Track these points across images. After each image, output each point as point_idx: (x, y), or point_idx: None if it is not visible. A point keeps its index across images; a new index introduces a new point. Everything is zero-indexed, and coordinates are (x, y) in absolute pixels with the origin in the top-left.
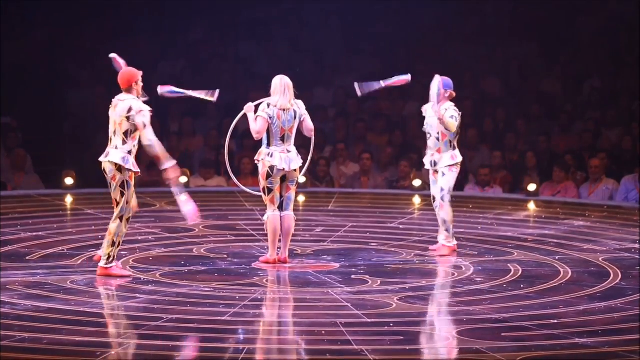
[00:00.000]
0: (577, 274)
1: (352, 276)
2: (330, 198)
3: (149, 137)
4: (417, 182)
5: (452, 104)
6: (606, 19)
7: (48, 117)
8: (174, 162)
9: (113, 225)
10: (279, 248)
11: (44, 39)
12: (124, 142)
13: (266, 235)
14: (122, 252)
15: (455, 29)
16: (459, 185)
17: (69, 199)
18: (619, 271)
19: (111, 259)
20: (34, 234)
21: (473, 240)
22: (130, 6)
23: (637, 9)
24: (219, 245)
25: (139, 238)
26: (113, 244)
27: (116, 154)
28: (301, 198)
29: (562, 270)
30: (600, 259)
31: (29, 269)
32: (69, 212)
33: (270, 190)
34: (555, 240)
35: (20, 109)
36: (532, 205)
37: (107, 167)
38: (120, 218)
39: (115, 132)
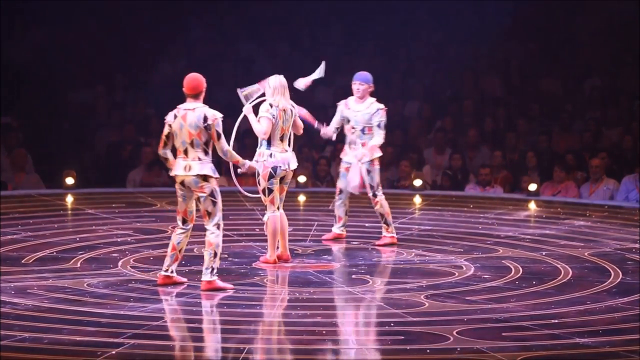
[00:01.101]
0: (578, 270)
1: (353, 276)
2: (331, 198)
3: (225, 147)
4: (417, 182)
5: (374, 99)
6: (606, 18)
7: (48, 116)
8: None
9: (212, 237)
10: (277, 248)
11: (44, 39)
12: (206, 153)
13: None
14: (118, 253)
15: (455, 28)
16: (460, 185)
17: (69, 199)
18: (615, 267)
19: (215, 271)
20: (35, 233)
21: (452, 237)
22: (131, 6)
23: (637, 7)
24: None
25: (119, 239)
26: (215, 255)
27: (204, 167)
28: (302, 198)
29: (558, 266)
30: (586, 253)
31: (36, 272)
32: (69, 212)
33: (270, 191)
34: (530, 237)
35: (21, 109)
36: (532, 205)
37: (192, 180)
38: (218, 227)
39: (192, 143)
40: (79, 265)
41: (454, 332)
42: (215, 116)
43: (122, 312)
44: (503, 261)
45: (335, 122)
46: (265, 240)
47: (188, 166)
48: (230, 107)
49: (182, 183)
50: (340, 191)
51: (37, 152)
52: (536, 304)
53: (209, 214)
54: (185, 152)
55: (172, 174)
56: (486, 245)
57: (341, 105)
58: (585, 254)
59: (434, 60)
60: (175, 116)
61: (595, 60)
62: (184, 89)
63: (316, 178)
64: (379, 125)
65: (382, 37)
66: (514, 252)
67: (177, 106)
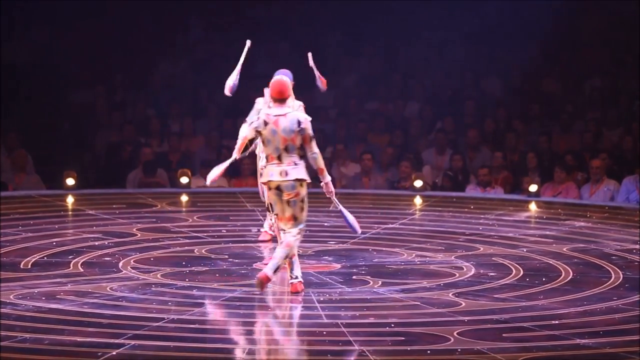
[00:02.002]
0: (579, 270)
1: (354, 277)
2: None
3: (316, 149)
4: (418, 183)
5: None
6: (607, 19)
7: (49, 117)
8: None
9: (291, 238)
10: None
11: (45, 39)
12: (300, 157)
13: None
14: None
15: (455, 28)
16: (460, 186)
17: (70, 200)
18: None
19: (278, 271)
20: (37, 234)
21: (452, 238)
22: (131, 6)
23: (638, 8)
24: (220, 245)
25: (97, 243)
26: (286, 256)
27: (300, 171)
28: None
29: (557, 266)
30: (564, 249)
31: (45, 277)
32: (70, 213)
33: None
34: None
35: (21, 109)
36: (533, 206)
37: (289, 185)
38: (299, 232)
39: (286, 148)
40: (82, 269)
41: (455, 333)
42: (307, 119)
43: (124, 313)
44: (502, 260)
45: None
46: (266, 241)
47: (284, 172)
48: (230, 108)
49: (278, 188)
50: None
51: (38, 152)
52: (544, 304)
53: (295, 219)
54: (279, 158)
55: (265, 180)
56: (483, 244)
57: (260, 104)
58: (564, 249)
59: (434, 61)
60: (266, 122)
61: (595, 61)
62: (271, 94)
63: (316, 179)
64: None
65: (382, 37)
66: (508, 251)
67: (265, 113)
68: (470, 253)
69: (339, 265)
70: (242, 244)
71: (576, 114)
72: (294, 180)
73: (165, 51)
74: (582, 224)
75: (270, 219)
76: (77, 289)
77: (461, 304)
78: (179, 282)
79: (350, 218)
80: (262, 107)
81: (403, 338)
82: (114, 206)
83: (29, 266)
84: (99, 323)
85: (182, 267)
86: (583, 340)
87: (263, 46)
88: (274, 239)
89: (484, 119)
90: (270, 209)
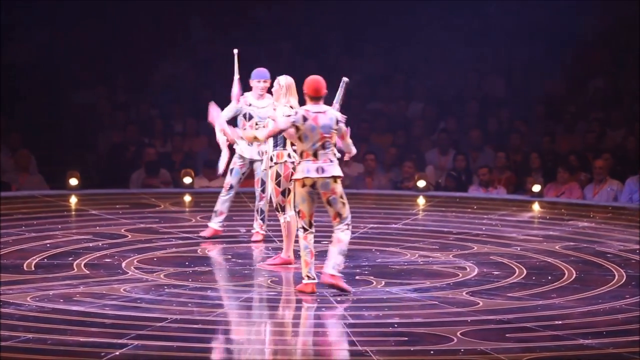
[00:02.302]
0: (582, 270)
1: (357, 277)
2: None
3: (352, 144)
4: (421, 183)
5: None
6: (610, 20)
7: (52, 117)
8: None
9: (343, 234)
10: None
11: (46, 40)
12: (334, 154)
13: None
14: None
15: (458, 28)
16: (463, 186)
17: (73, 200)
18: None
19: (340, 268)
20: (40, 234)
21: (454, 238)
22: (133, 6)
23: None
24: (223, 245)
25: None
26: (344, 253)
27: (336, 168)
28: None
29: (560, 266)
30: (556, 247)
31: (59, 280)
32: (73, 213)
33: (290, 192)
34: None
35: (24, 110)
36: (536, 206)
37: (325, 182)
38: (348, 226)
39: (323, 145)
40: (87, 271)
41: (458, 333)
42: (343, 117)
43: (126, 314)
44: (500, 259)
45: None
46: (271, 242)
47: (320, 168)
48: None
49: (313, 185)
50: (231, 187)
51: (41, 152)
52: (560, 303)
53: (340, 215)
54: (315, 154)
55: (300, 176)
56: (477, 243)
57: (240, 102)
58: (557, 247)
59: (437, 61)
60: (305, 118)
61: (598, 62)
62: (307, 91)
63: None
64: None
65: (384, 37)
66: (502, 250)
67: (304, 109)
68: (466, 252)
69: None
70: (245, 244)
71: (579, 114)
72: (330, 177)
73: (167, 51)
74: (586, 224)
75: (261, 220)
76: (91, 291)
77: (478, 303)
78: (191, 283)
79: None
80: (245, 105)
81: (406, 338)
82: (117, 206)
83: (32, 268)
84: (102, 323)
85: (185, 267)
86: (586, 341)
87: (264, 46)
88: (266, 239)
89: (487, 119)
90: (279, 208)
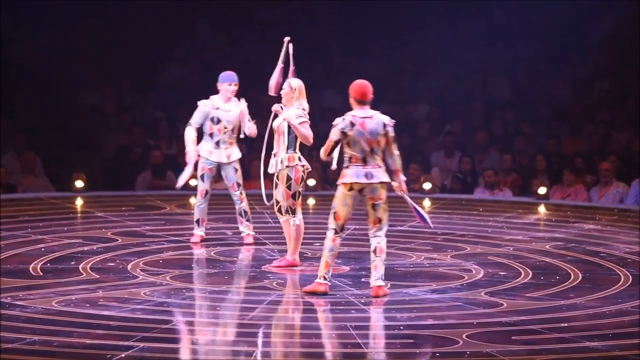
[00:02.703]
0: (588, 273)
1: (362, 279)
2: None
3: (397, 151)
4: (427, 185)
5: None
6: (615, 21)
7: (58, 119)
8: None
9: (383, 243)
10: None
11: (52, 41)
12: (382, 159)
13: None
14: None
15: (463, 30)
16: (469, 188)
17: (79, 202)
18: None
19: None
20: (44, 236)
21: (460, 240)
22: (137, 8)
23: None
24: (229, 248)
25: (85, 248)
26: (383, 262)
27: (385, 174)
28: (311, 201)
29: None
30: (547, 246)
31: (72, 284)
32: (79, 215)
33: (299, 195)
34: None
35: (30, 111)
36: (542, 209)
37: (374, 187)
38: (385, 234)
39: (372, 150)
40: (97, 275)
41: (464, 336)
42: (391, 121)
43: (133, 316)
44: (499, 259)
45: (197, 121)
46: (277, 243)
47: (369, 174)
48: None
49: (361, 190)
50: (206, 192)
51: (46, 154)
52: (582, 302)
53: (380, 221)
54: (364, 160)
55: (349, 180)
56: (480, 245)
57: (207, 106)
58: (547, 246)
59: (442, 63)
60: (352, 124)
61: (604, 63)
62: (354, 95)
63: (325, 182)
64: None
65: (390, 39)
66: (495, 250)
67: (351, 114)
68: (461, 253)
69: (347, 268)
70: (252, 247)
71: (585, 117)
72: (378, 182)
73: (173, 53)
74: (591, 226)
75: (247, 222)
76: (111, 295)
77: (502, 304)
78: (210, 286)
79: (423, 213)
80: (212, 109)
81: (412, 340)
82: (123, 208)
83: (40, 272)
84: (108, 325)
85: (191, 269)
86: (592, 343)
87: (270, 48)
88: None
89: (492, 121)
90: (289, 211)
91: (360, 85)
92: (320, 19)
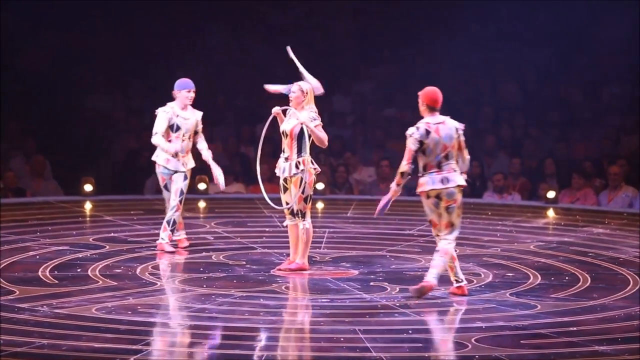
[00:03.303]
0: (597, 276)
1: (371, 283)
2: (349, 205)
3: (468, 155)
4: None
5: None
6: (625, 25)
7: (67, 123)
8: None
9: (449, 246)
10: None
11: (61, 45)
12: (456, 163)
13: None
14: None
15: (472, 34)
16: (478, 192)
17: (87, 206)
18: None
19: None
20: (52, 240)
21: (468, 245)
22: (147, 12)
23: None
24: (238, 252)
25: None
26: (445, 263)
27: (460, 177)
28: (320, 205)
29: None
30: (531, 246)
31: (94, 292)
32: (88, 219)
33: (310, 199)
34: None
35: (39, 115)
36: (551, 213)
37: (450, 191)
38: (454, 238)
39: (447, 155)
40: (112, 281)
41: (473, 340)
42: (461, 125)
43: (140, 319)
44: (497, 261)
45: (163, 129)
46: (285, 247)
47: (445, 179)
48: (247, 114)
49: (438, 196)
50: (181, 201)
51: (56, 158)
52: (612, 303)
53: (452, 225)
54: (439, 165)
55: (426, 189)
56: (497, 252)
57: (169, 113)
58: (531, 246)
59: (451, 67)
60: (428, 132)
61: (614, 67)
62: (426, 102)
63: (334, 185)
64: (202, 130)
65: (399, 43)
66: (486, 252)
67: (424, 122)
68: (465, 255)
69: (356, 272)
70: (260, 250)
71: (594, 121)
72: (455, 186)
73: (182, 57)
74: (600, 230)
75: (171, 231)
76: (142, 302)
77: (537, 305)
78: (235, 292)
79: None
80: (173, 116)
81: (420, 344)
82: (132, 212)
83: (54, 280)
84: (117, 329)
85: (200, 273)
86: (601, 347)
87: (280, 53)
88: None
89: (501, 125)
90: (299, 215)
91: (432, 92)
92: (330, 23)
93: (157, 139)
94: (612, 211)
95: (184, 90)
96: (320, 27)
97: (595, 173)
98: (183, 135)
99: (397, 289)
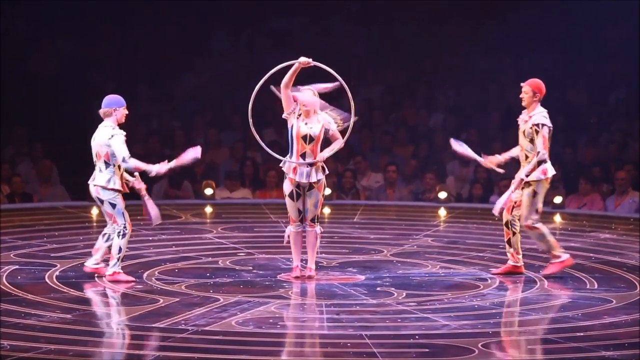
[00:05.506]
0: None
1: (378, 288)
2: (356, 210)
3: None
4: (442, 195)
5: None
6: (632, 29)
7: (74, 128)
8: None
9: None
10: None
11: (69, 51)
12: (527, 156)
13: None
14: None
15: (480, 39)
16: (484, 197)
17: (94, 211)
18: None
19: None
20: (61, 245)
21: (477, 250)
22: (155, 18)
23: None
24: (245, 257)
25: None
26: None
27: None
28: (327, 210)
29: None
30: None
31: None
32: (94, 225)
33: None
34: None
35: (47, 120)
36: (558, 218)
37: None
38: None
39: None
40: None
41: (479, 345)
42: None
43: (154, 325)
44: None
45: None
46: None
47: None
48: (255, 118)
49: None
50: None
51: (63, 163)
52: (564, 316)
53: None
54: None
55: (550, 175)
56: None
57: (122, 134)
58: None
59: (458, 72)
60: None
61: (621, 72)
62: (541, 95)
63: (341, 191)
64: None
65: (406, 48)
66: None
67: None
68: (449, 257)
69: (363, 277)
70: (267, 256)
71: (601, 125)
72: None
73: (189, 62)
74: (607, 235)
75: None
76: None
77: (544, 310)
78: (253, 298)
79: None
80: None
81: (427, 350)
82: (138, 217)
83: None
84: (124, 335)
85: (207, 278)
86: (608, 353)
87: (286, 58)
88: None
89: (508, 130)
90: (315, 219)
91: (542, 84)
92: (336, 28)
93: (133, 162)
94: (619, 216)
95: (122, 107)
96: (326, 32)
97: (602, 178)
98: None
99: (404, 294)
